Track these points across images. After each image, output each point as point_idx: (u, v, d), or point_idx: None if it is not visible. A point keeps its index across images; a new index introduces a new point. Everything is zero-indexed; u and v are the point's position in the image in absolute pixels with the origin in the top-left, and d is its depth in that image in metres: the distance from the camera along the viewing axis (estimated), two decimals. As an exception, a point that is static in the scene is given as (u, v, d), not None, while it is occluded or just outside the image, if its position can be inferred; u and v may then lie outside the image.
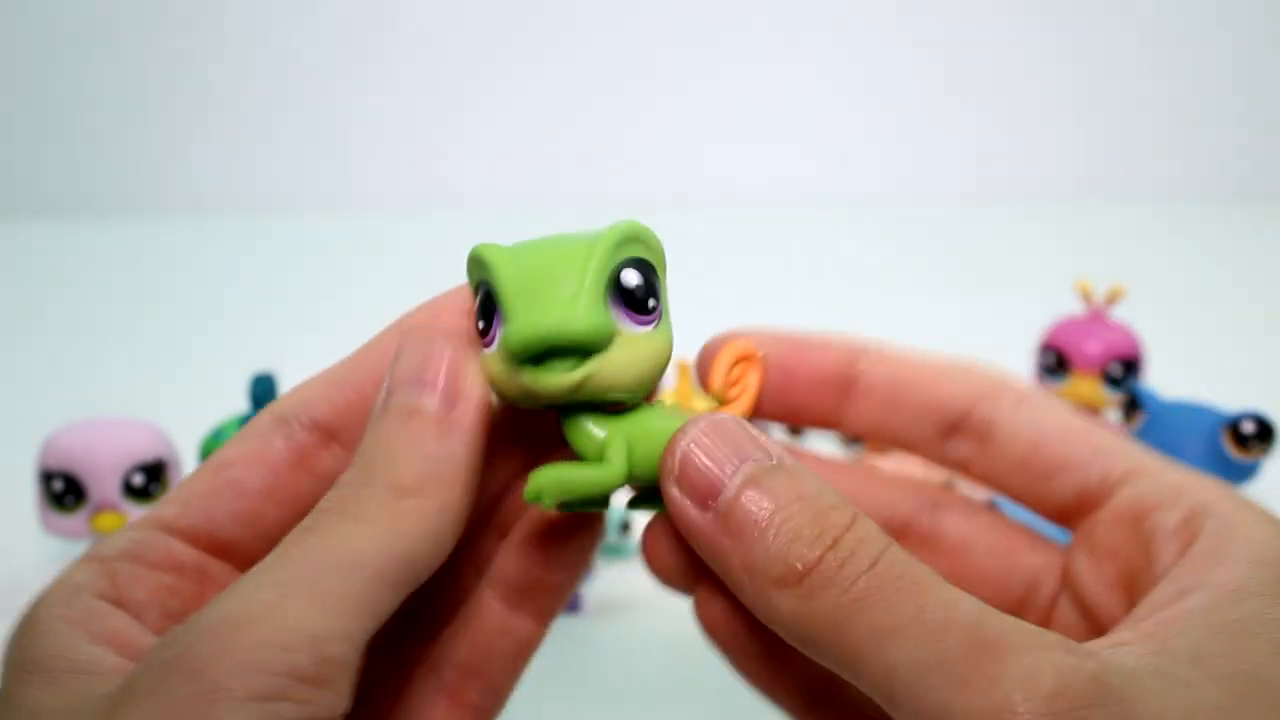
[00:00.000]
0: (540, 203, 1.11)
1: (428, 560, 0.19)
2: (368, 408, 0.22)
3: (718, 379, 0.22)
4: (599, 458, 0.20)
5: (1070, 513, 0.22)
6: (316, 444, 0.22)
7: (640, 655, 0.40)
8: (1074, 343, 0.52)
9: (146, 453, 0.41)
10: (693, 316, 0.79)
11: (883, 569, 0.18)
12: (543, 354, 0.19)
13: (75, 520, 0.41)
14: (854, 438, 0.51)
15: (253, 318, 0.81)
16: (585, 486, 0.20)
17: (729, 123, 1.15)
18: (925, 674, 0.16)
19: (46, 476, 0.41)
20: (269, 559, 0.18)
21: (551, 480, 0.20)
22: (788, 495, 0.19)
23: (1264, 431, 0.42)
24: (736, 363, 0.23)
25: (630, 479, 0.20)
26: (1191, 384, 0.51)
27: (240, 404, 0.47)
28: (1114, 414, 0.54)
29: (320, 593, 0.17)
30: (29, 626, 0.18)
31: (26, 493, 0.46)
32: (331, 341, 0.82)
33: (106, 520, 0.40)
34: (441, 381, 0.20)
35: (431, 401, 0.20)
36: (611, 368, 0.19)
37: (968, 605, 0.17)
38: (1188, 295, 0.81)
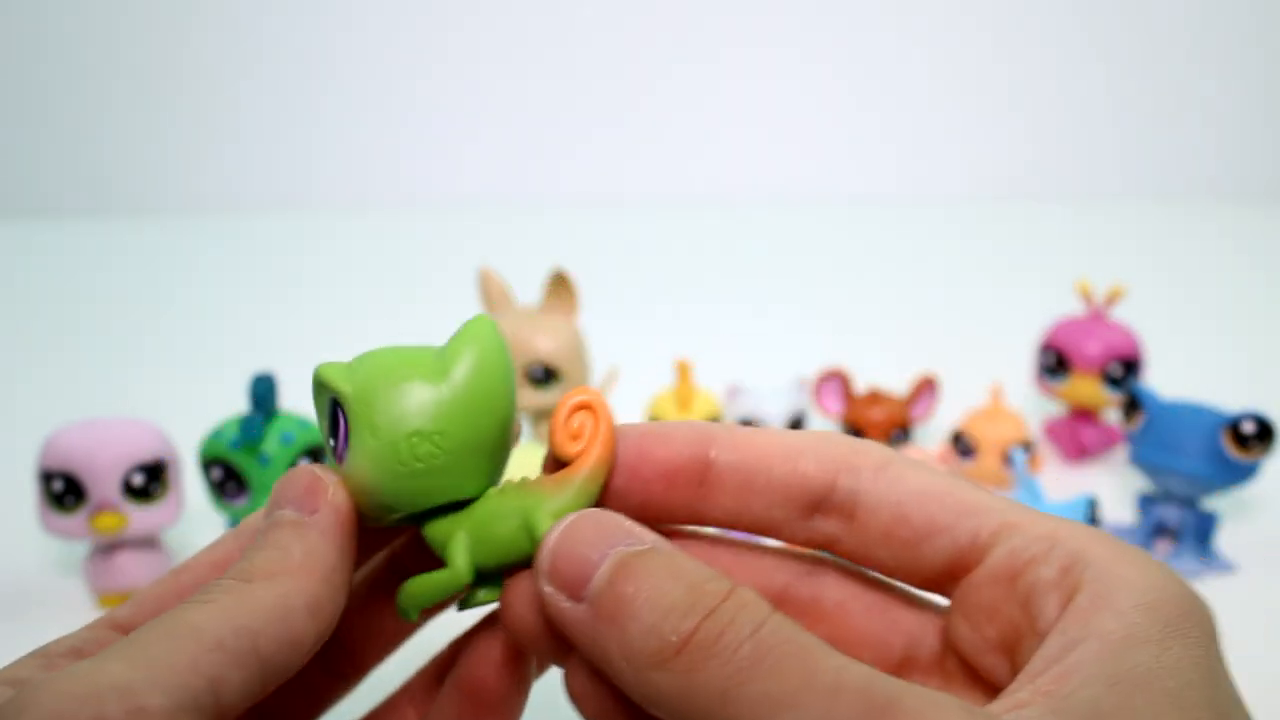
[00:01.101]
0: (540, 203, 1.11)
1: (276, 636, 0.19)
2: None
3: (557, 435, 0.22)
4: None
5: (944, 578, 0.21)
6: None
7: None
8: (1074, 343, 0.52)
9: (146, 453, 0.41)
10: (693, 316, 0.79)
11: (766, 635, 0.17)
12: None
13: (75, 520, 0.41)
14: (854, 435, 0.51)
15: (253, 318, 0.81)
16: (435, 592, 0.21)
17: (728, 122, 1.15)
18: None
19: (46, 476, 0.41)
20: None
21: (407, 595, 0.22)
22: (661, 574, 0.18)
23: (1264, 431, 0.42)
24: (574, 413, 0.22)
25: (477, 570, 0.22)
26: (1191, 384, 0.51)
27: (240, 404, 0.47)
28: (1114, 414, 0.54)
29: (144, 656, 0.18)
30: None
31: (26, 493, 0.46)
32: (331, 341, 0.82)
33: (106, 520, 0.40)
34: (299, 495, 0.21)
35: (289, 512, 0.21)
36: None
37: (856, 670, 0.17)
38: (1188, 295, 0.81)
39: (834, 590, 0.24)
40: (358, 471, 0.21)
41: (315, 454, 0.43)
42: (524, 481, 0.22)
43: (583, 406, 0.22)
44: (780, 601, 0.23)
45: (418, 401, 0.21)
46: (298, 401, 0.48)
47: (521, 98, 1.14)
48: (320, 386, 0.22)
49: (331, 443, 0.22)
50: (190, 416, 0.49)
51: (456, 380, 0.21)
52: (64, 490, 0.40)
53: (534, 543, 0.21)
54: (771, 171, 1.16)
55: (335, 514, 0.21)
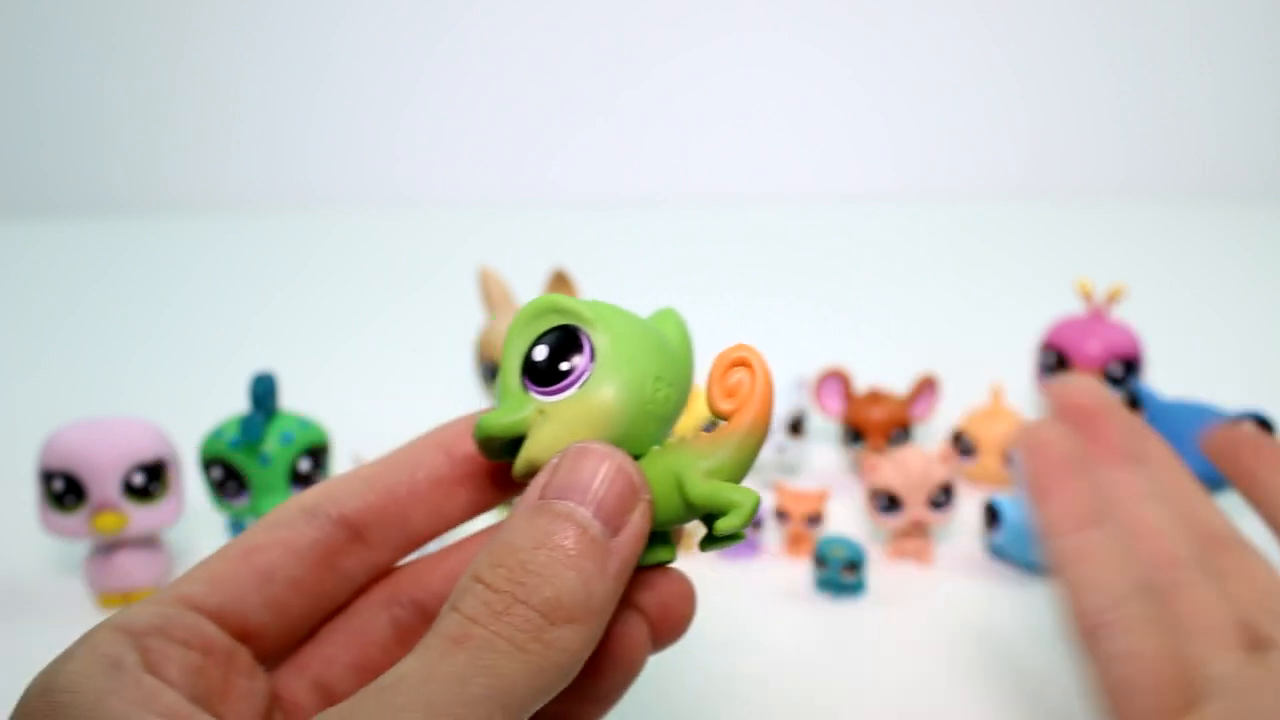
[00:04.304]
0: (540, 203, 1.11)
1: (555, 692, 0.18)
2: (399, 511, 0.23)
3: (713, 392, 0.21)
4: None
5: None
6: (343, 541, 0.22)
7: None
8: (1074, 342, 0.52)
9: (146, 452, 0.41)
10: (693, 316, 0.79)
11: None
12: (498, 448, 0.22)
13: (75, 520, 0.41)
14: (853, 436, 0.51)
15: (253, 318, 0.81)
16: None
17: (728, 122, 1.15)
18: None
19: (47, 476, 0.41)
20: (413, 667, 0.18)
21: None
22: None
23: (1264, 432, 0.42)
24: (730, 369, 0.21)
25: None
26: (1191, 384, 0.51)
27: (240, 404, 0.47)
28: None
29: None
30: (68, 699, 0.17)
31: (26, 493, 0.46)
32: (332, 341, 0.82)
33: (106, 520, 0.40)
34: (610, 503, 0.19)
35: (596, 524, 0.19)
36: (541, 445, 0.21)
37: None
38: (1188, 295, 0.81)
39: None
40: (599, 399, 0.20)
41: (315, 454, 0.43)
42: (681, 440, 0.21)
43: (740, 363, 0.21)
44: None
45: (660, 350, 0.22)
46: (298, 401, 0.48)
47: (521, 97, 1.14)
48: (554, 312, 0.21)
49: (548, 369, 0.21)
50: (190, 416, 0.49)
51: (675, 345, 0.23)
52: (64, 490, 0.40)
53: (686, 503, 0.21)
54: (771, 171, 1.16)
55: (637, 546, 0.20)
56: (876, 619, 0.42)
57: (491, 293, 0.51)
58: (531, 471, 0.21)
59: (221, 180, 1.16)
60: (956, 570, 0.45)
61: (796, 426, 0.50)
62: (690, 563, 0.46)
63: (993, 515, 0.44)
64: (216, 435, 0.43)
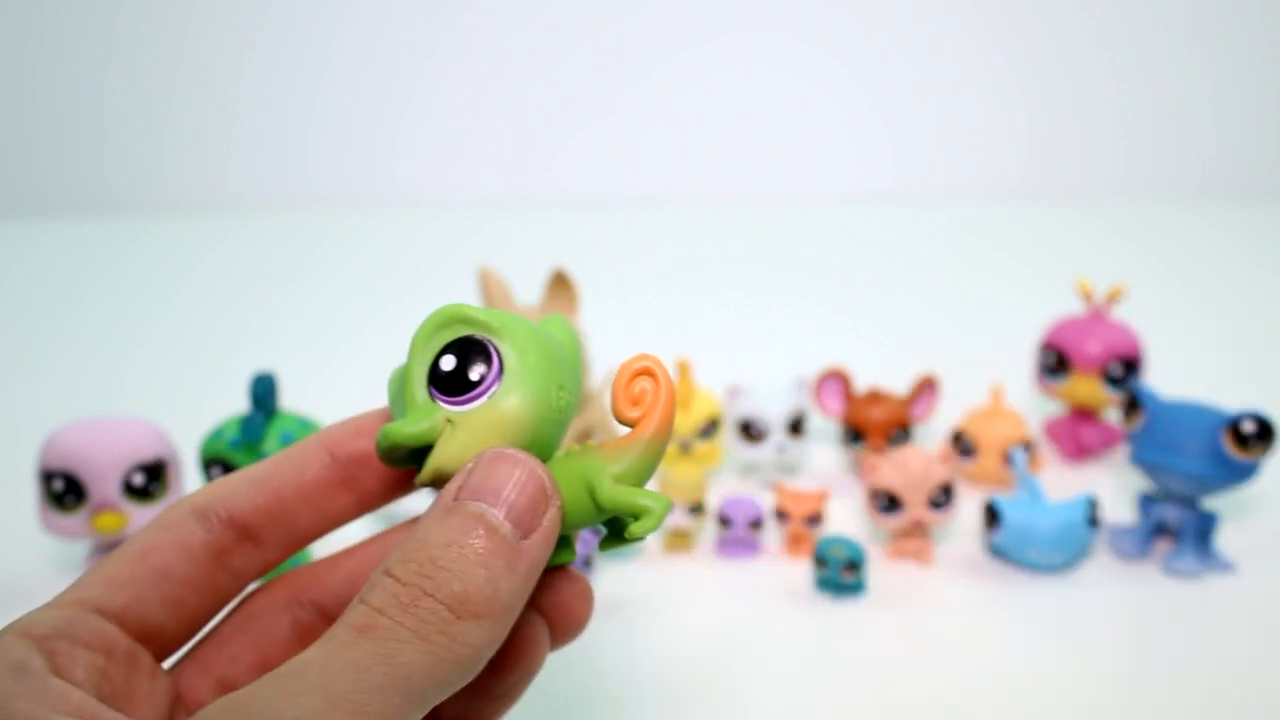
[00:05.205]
0: (540, 203, 1.11)
1: (458, 686, 0.19)
2: (286, 512, 0.23)
3: (619, 400, 0.22)
4: None
5: None
6: (232, 541, 0.23)
7: (641, 656, 0.40)
8: (1074, 342, 0.52)
9: (146, 452, 0.41)
10: (693, 316, 0.79)
11: None
12: (401, 456, 0.22)
13: (75, 520, 0.41)
14: (853, 436, 0.51)
15: (253, 318, 0.81)
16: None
17: (728, 122, 1.15)
18: None
19: (47, 476, 0.41)
20: (315, 655, 0.18)
21: None
22: None
23: (1264, 431, 0.42)
24: (635, 378, 0.22)
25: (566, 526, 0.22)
26: (1191, 384, 0.51)
27: (240, 404, 0.47)
28: (1114, 414, 0.54)
29: (363, 712, 0.17)
30: None
31: (26, 493, 0.46)
32: (331, 341, 0.82)
33: (106, 520, 0.40)
34: (522, 505, 0.20)
35: (507, 525, 0.19)
36: (450, 454, 0.21)
37: None
38: (1188, 295, 0.81)
39: None
40: (508, 409, 0.21)
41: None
42: (586, 446, 0.22)
43: (643, 372, 0.22)
44: None
45: (559, 359, 0.22)
46: (298, 401, 0.48)
47: (522, 97, 1.14)
48: (460, 323, 0.21)
49: (455, 379, 0.21)
50: (190, 416, 0.49)
51: (570, 352, 0.23)
52: (64, 490, 0.40)
53: (597, 507, 0.21)
54: (771, 171, 1.16)
55: (547, 542, 0.20)
56: (876, 619, 0.42)
57: (491, 293, 0.51)
58: (438, 479, 0.21)
59: (221, 180, 1.16)
60: (956, 570, 0.45)
61: (796, 426, 0.50)
62: (690, 563, 0.46)
63: (993, 515, 0.44)
64: (216, 435, 0.43)
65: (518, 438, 0.21)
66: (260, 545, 0.23)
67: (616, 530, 0.23)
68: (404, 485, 0.25)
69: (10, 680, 0.18)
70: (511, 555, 0.19)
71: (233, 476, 0.24)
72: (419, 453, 0.22)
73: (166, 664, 0.23)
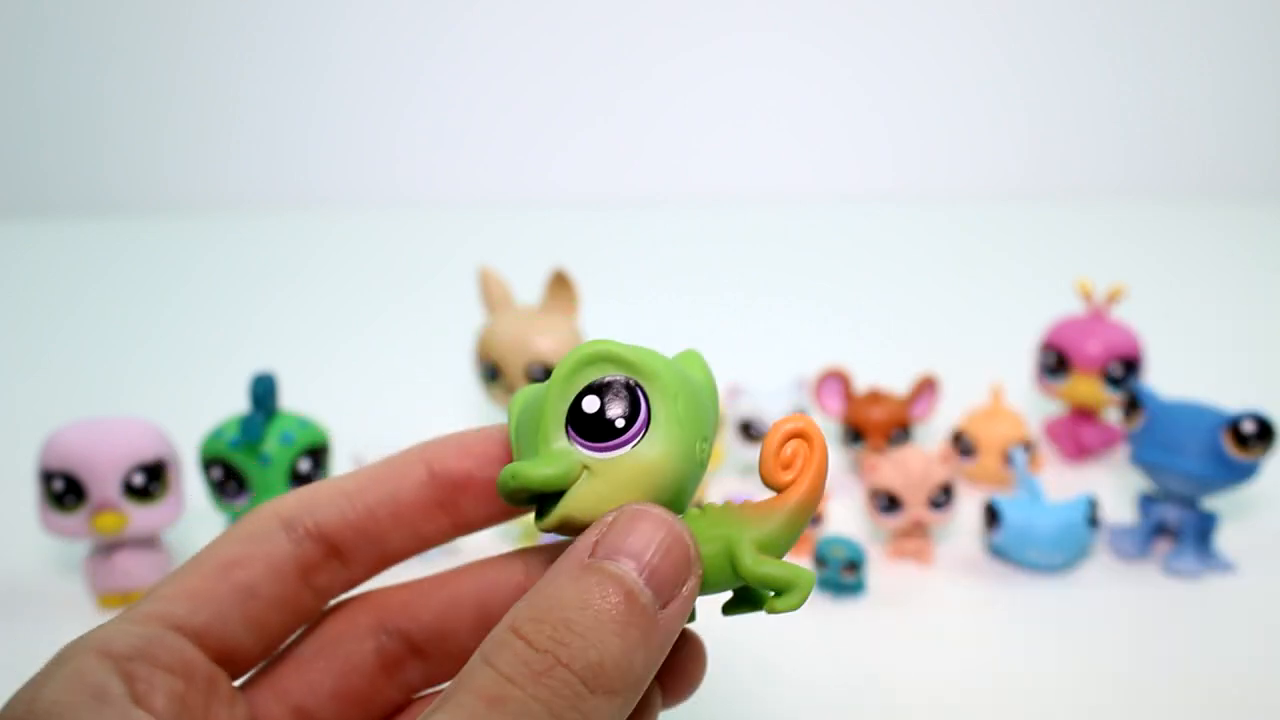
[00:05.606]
0: (540, 203, 1.11)
1: None
2: (378, 530, 0.22)
3: (769, 462, 0.20)
4: None
5: None
6: (319, 557, 0.22)
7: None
8: (1074, 342, 0.52)
9: (146, 452, 0.41)
10: (693, 316, 0.79)
11: None
12: (525, 496, 0.20)
13: (75, 520, 0.41)
14: (853, 436, 0.51)
15: (253, 318, 0.81)
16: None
17: (728, 122, 1.15)
18: None
19: (47, 476, 0.41)
20: None
21: None
22: None
23: (1264, 431, 0.42)
24: (787, 440, 0.20)
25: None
26: (1191, 384, 0.51)
27: (240, 404, 0.47)
28: (1114, 414, 0.54)
29: None
30: None
31: (26, 493, 0.46)
32: (332, 341, 0.82)
33: (106, 520, 0.40)
34: (664, 572, 0.18)
35: (648, 591, 0.18)
36: (585, 503, 0.19)
37: None
38: (1188, 295, 0.81)
39: None
40: (652, 460, 0.19)
41: (315, 454, 0.43)
42: (727, 506, 0.21)
43: (797, 434, 0.20)
44: None
45: (703, 408, 0.21)
46: (298, 401, 0.48)
47: (521, 97, 1.14)
48: (606, 362, 0.20)
49: (598, 423, 0.20)
50: (190, 416, 0.49)
51: (707, 395, 0.22)
52: (64, 490, 0.40)
53: (735, 571, 0.20)
54: (771, 171, 1.16)
55: (683, 614, 0.19)
56: (876, 619, 0.42)
57: (491, 293, 0.51)
58: (567, 527, 0.20)
59: (221, 180, 1.16)
60: (956, 570, 0.45)
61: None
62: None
63: (993, 515, 0.44)
64: (216, 435, 0.43)
65: (659, 493, 0.20)
66: (347, 564, 0.22)
67: (748, 597, 0.22)
68: (503, 514, 0.23)
69: (91, 712, 0.17)
70: (649, 626, 0.18)
71: (322, 486, 0.22)
72: (547, 494, 0.20)
73: (237, 681, 0.22)
